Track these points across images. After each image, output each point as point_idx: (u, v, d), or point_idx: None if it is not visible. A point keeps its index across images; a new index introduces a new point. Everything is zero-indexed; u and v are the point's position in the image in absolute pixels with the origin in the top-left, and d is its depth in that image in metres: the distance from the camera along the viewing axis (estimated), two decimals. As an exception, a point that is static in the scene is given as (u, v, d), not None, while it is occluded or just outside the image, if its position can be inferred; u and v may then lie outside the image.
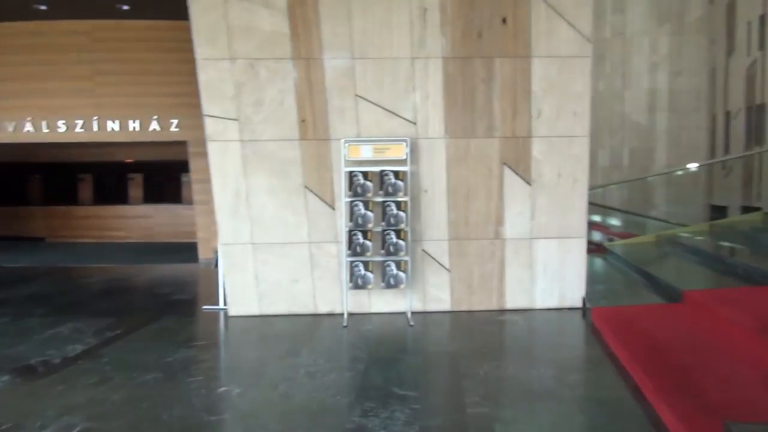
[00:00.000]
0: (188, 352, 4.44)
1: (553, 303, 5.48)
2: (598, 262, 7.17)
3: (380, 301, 5.50)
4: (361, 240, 5.24)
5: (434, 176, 5.30)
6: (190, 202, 10.51)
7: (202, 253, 9.28)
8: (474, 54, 5.10)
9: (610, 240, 9.17)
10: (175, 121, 9.11)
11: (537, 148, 5.26)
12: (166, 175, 14.21)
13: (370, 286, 5.30)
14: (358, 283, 5.29)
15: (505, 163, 5.29)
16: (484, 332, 4.98)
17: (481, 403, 3.31)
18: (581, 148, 5.30)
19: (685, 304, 4.71)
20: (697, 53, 21.60)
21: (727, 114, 20.63)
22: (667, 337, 4.04)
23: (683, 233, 7.83)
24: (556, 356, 4.22)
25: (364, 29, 5.07)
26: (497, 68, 5.15)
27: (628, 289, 5.84)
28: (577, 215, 5.37)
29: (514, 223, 5.37)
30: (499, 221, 5.38)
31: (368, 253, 5.25)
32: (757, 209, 17.87)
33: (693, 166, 9.83)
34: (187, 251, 9.82)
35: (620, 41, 21.58)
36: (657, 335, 4.09)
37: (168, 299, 6.44)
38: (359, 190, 5.20)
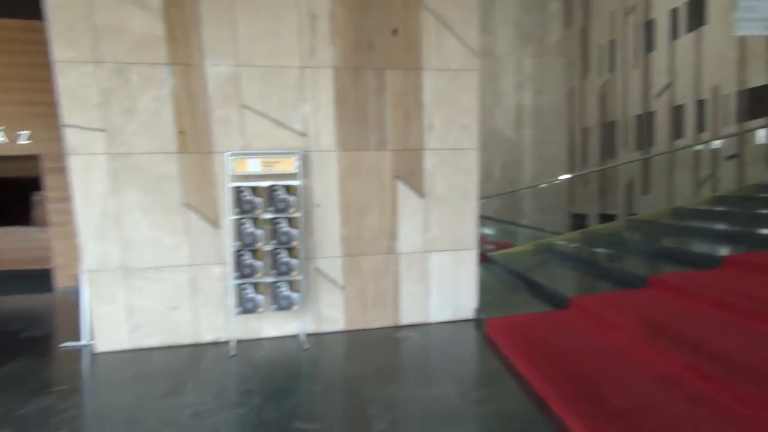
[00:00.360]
0: (45, 401, 3.80)
1: (447, 316, 5.46)
2: (483, 272, 7.33)
3: (271, 325, 5.14)
4: (250, 260, 4.87)
5: (327, 190, 5.07)
6: (44, 224, 9.33)
7: (60, 282, 8.25)
8: (366, 65, 4.97)
9: (491, 250, 9.48)
10: (25, 133, 8.04)
11: (429, 161, 5.23)
12: (14, 194, 12.58)
13: (260, 310, 4.93)
14: (246, 307, 4.90)
15: (398, 176, 5.19)
16: (382, 351, 4.82)
17: (390, 431, 3.12)
18: (471, 161, 5.35)
19: (573, 310, 4.88)
20: (557, 73, 23.50)
21: (584, 130, 22.61)
22: (561, 344, 4.12)
23: (559, 241, 8.27)
24: (458, 372, 4.16)
25: (250, 35, 4.74)
26: (389, 80, 5.05)
27: (516, 298, 5.99)
28: (469, 227, 5.41)
29: (408, 237, 5.29)
30: (393, 235, 5.26)
31: (258, 274, 4.89)
32: (612, 216, 19.67)
33: (564, 177, 10.69)
34: (40, 280, 8.70)
35: (491, 60, 22.87)
36: (551, 343, 4.16)
37: (18, 337, 5.57)
38: (247, 206, 4.83)
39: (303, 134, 4.95)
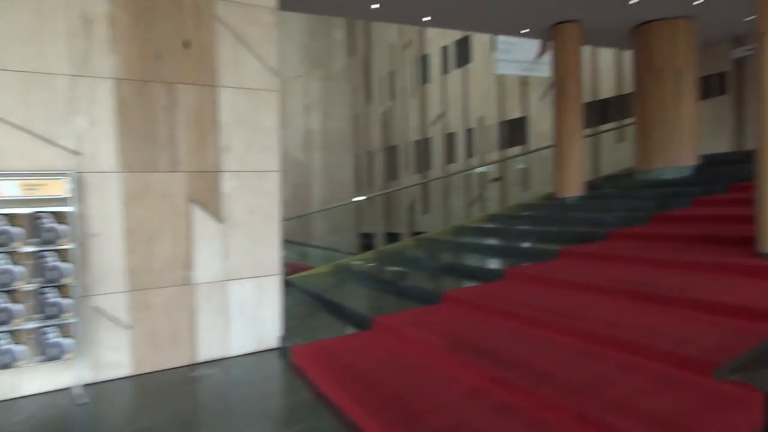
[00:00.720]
0: None
1: (251, 347, 5.14)
2: (284, 297, 7.14)
3: (35, 380, 4.28)
4: (5, 304, 4.00)
5: (107, 217, 4.42)
6: None
7: None
8: (153, 77, 4.48)
9: (288, 273, 9.31)
10: None
11: (228, 184, 4.90)
12: None
13: (20, 363, 4.07)
14: (1, 362, 4.01)
15: (193, 200, 4.76)
16: (178, 395, 4.31)
17: (198, 491, 2.74)
18: (273, 184, 5.15)
19: (377, 331, 4.94)
20: (343, 99, 24.49)
21: (369, 153, 23.88)
22: (370, 366, 4.12)
23: (355, 261, 8.45)
24: (266, 408, 3.89)
25: (2, 34, 3.94)
26: (181, 95, 4.63)
27: (319, 322, 5.90)
28: (272, 252, 5.18)
29: (206, 266, 4.87)
30: (189, 265, 4.80)
31: (17, 320, 4.04)
32: (397, 235, 20.96)
33: (358, 199, 11.05)
34: None
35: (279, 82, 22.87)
36: (360, 366, 4.14)
37: None
38: (1, 238, 3.97)
39: (76, 153, 4.26)
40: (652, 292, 4.23)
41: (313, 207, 23.36)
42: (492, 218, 9.46)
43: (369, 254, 8.84)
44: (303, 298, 7.01)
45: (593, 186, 9.67)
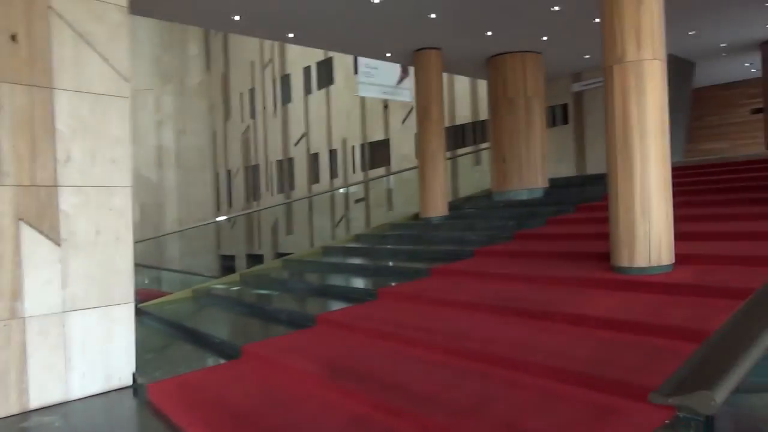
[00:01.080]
0: None
1: (98, 387, 4.46)
2: (137, 327, 6.39)
3: None
4: None
5: None
6: None
7: None
8: (-29, 72, 3.76)
9: (140, 301, 8.45)
10: None
11: (67, 201, 4.24)
12: None
13: None
14: None
15: (22, 219, 4.05)
16: (2, 454, 3.58)
17: None
18: (123, 201, 4.57)
19: (247, 360, 4.55)
20: (199, 115, 23.32)
21: (229, 172, 22.92)
22: (242, 400, 3.73)
23: (218, 285, 7.88)
24: (118, 460, 3.34)
25: None
26: (6, 97, 3.93)
27: (180, 354, 5.33)
28: (123, 278, 4.57)
29: (39, 296, 4.15)
30: (16, 295, 4.05)
31: None
32: (260, 256, 20.25)
33: (221, 218, 10.32)
34: None
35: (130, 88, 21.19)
36: (231, 401, 3.73)
37: None
38: None
39: None
40: (523, 307, 4.34)
41: (167, 228, 21.82)
42: (359, 238, 9.39)
43: (232, 277, 8.30)
44: (160, 327, 6.33)
45: (455, 206, 10.03)
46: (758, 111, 14.04)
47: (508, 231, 7.41)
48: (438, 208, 9.34)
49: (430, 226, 8.97)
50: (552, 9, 7.89)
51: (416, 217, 10.05)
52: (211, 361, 4.88)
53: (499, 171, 10.09)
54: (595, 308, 4.03)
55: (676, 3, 7.94)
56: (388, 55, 9.80)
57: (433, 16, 7.91)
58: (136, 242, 5.24)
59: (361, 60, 14.34)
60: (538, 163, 9.91)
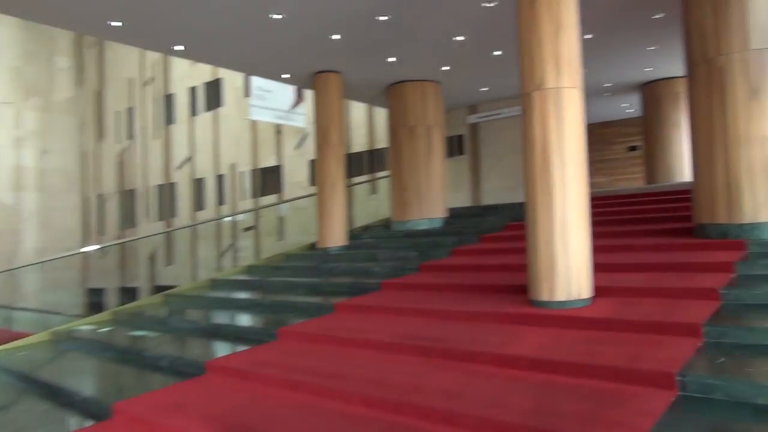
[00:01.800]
0: None
1: None
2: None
3: None
4: None
5: None
6: None
7: None
8: None
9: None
10: None
11: None
12: None
13: None
14: None
15: None
16: None
17: None
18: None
19: (119, 422, 3.74)
20: (67, 134, 21.14)
21: (100, 197, 20.88)
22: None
23: (84, 326, 6.79)
24: None
25: None
26: None
27: (30, 415, 4.34)
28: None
29: None
30: None
31: None
32: (134, 290, 18.49)
33: (90, 248, 8.94)
34: None
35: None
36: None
37: None
38: None
39: None
40: (443, 348, 3.97)
41: (23, 258, 19.32)
42: (251, 270, 8.65)
43: (102, 316, 7.22)
44: (7, 380, 5.22)
45: (354, 236, 9.62)
46: (633, 148, 15.24)
47: (413, 262, 7.10)
48: (337, 237, 8.87)
49: (329, 257, 8.46)
50: (455, 39, 7.86)
51: (313, 247, 9.50)
52: (73, 423, 3.99)
53: (398, 200, 9.86)
54: (522, 347, 3.74)
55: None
56: (286, 76, 9.30)
57: (336, 37, 7.56)
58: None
59: (254, 82, 13.68)
60: (438, 193, 9.81)
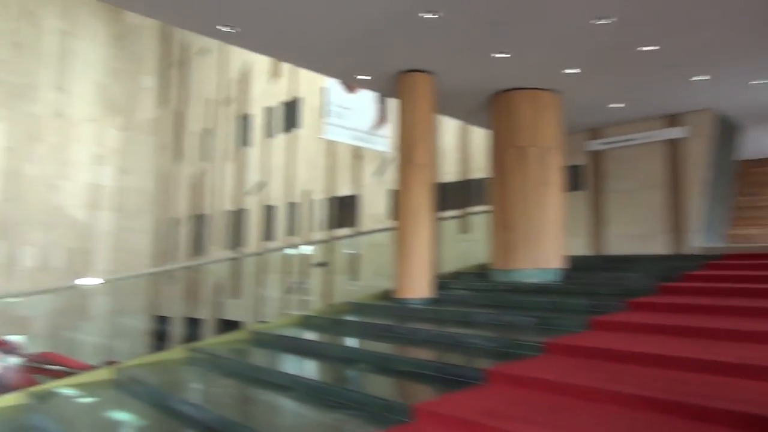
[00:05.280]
0: None
1: None
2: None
3: None
4: None
5: None
6: None
7: None
8: None
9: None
10: None
11: None
12: None
13: None
14: None
15: None
16: None
17: None
18: None
19: None
20: (146, 154, 20.45)
21: (173, 221, 20.00)
22: None
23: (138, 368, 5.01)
24: None
25: None
26: None
27: None
28: None
29: None
30: None
31: None
32: (197, 321, 17.13)
33: (153, 270, 7.48)
34: None
35: (60, 123, 18.41)
36: None
37: None
38: None
39: None
40: None
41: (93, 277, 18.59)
42: (307, 322, 6.67)
43: (174, 354, 5.43)
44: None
45: (441, 285, 7.41)
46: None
47: (530, 334, 4.83)
48: (419, 286, 6.73)
49: (407, 313, 6.34)
50: (597, 21, 5.66)
51: (387, 296, 7.43)
52: None
53: (500, 243, 7.61)
54: None
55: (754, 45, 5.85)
56: (364, 77, 7.43)
57: (430, 15, 5.58)
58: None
59: (333, 97, 12.04)
60: (554, 236, 7.48)
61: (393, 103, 12.72)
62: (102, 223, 19.13)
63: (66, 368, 8.19)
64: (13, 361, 9.71)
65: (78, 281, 11.26)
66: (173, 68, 20.28)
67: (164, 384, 4.59)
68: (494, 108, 7.90)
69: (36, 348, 16.13)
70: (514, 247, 7.45)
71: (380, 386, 4.16)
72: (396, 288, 6.90)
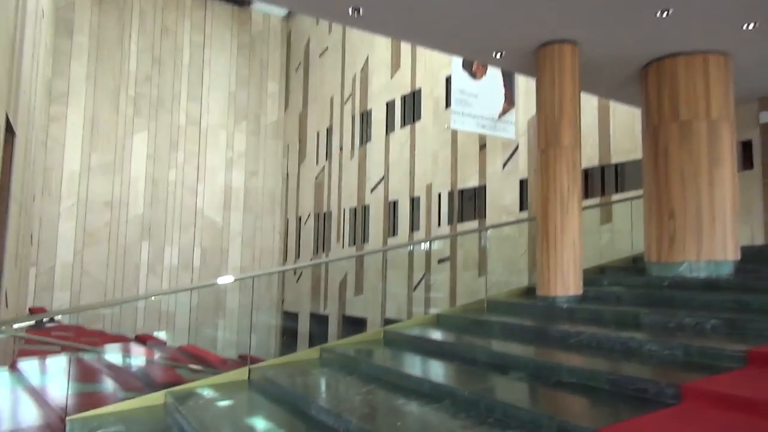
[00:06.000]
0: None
1: None
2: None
3: None
4: None
5: None
6: None
7: None
8: None
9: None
10: None
11: None
12: None
13: None
14: None
15: None
16: None
17: None
18: None
19: None
20: (273, 156, 21.21)
21: (299, 219, 20.53)
22: None
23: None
24: None
25: None
26: None
27: None
28: None
29: None
30: None
31: None
32: (323, 317, 17.36)
33: (281, 269, 7.48)
34: None
35: (196, 131, 19.54)
36: None
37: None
38: None
39: None
40: None
41: (227, 275, 19.54)
42: (440, 322, 6.18)
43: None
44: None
45: (588, 281, 6.56)
46: None
47: (723, 341, 3.96)
48: (568, 282, 5.98)
49: (557, 313, 5.63)
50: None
51: (528, 292, 6.74)
52: None
53: (658, 232, 6.61)
54: None
55: None
56: (499, 54, 6.77)
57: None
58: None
59: (456, 84, 11.45)
60: (726, 223, 6.35)
61: (522, 87, 11.90)
62: (234, 223, 20.07)
63: (203, 362, 8.42)
64: (159, 355, 10.22)
65: (216, 280, 11.57)
66: (296, 72, 20.79)
67: (299, 387, 4.31)
68: (648, 79, 6.88)
69: (178, 342, 17.20)
70: (676, 237, 6.42)
71: (546, 401, 3.54)
72: (539, 284, 6.19)
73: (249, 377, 4.98)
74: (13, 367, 6.86)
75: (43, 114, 15.76)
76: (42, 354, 8.56)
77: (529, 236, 11.07)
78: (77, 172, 17.08)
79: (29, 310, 15.00)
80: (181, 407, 4.07)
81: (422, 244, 14.17)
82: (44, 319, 6.15)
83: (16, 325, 5.64)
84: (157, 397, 4.60)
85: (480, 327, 5.67)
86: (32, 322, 5.98)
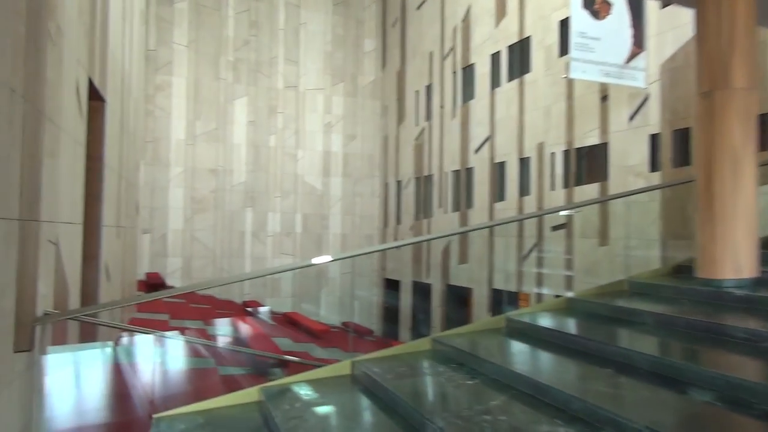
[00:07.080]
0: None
1: None
2: None
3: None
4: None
5: None
6: None
7: None
8: None
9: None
10: None
11: None
12: None
13: None
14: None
15: None
16: None
17: None
18: None
19: None
20: (371, 118, 20.52)
21: (399, 183, 19.85)
22: None
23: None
24: None
25: None
26: None
27: None
28: None
29: None
30: None
31: None
32: (427, 285, 16.70)
33: (387, 246, 6.95)
34: None
35: (294, 95, 19.23)
36: None
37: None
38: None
39: None
40: None
41: (328, 242, 19.43)
42: (572, 309, 5.18)
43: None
44: None
45: (765, 259, 5.24)
46: None
47: None
48: (739, 263, 4.75)
49: (729, 303, 4.46)
50: None
51: (680, 270, 5.54)
52: None
53: None
54: None
55: None
56: (645, -22, 5.46)
57: None
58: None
59: (576, 28, 9.97)
60: None
61: (653, 26, 10.19)
62: (334, 189, 19.78)
63: (307, 330, 8.00)
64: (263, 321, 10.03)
65: (315, 260, 11.21)
66: (393, 27, 19.80)
67: (407, 395, 3.55)
68: None
69: (283, 308, 17.27)
70: None
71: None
72: (700, 263, 4.99)
73: (352, 372, 4.32)
74: (118, 342, 6.72)
75: (148, 83, 16.03)
76: (152, 324, 8.58)
77: (662, 201, 9.59)
78: (183, 140, 17.37)
79: (146, 275, 15.61)
80: (274, 406, 3.50)
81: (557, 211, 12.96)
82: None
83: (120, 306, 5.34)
84: (250, 394, 4.06)
85: (627, 319, 4.61)
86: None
